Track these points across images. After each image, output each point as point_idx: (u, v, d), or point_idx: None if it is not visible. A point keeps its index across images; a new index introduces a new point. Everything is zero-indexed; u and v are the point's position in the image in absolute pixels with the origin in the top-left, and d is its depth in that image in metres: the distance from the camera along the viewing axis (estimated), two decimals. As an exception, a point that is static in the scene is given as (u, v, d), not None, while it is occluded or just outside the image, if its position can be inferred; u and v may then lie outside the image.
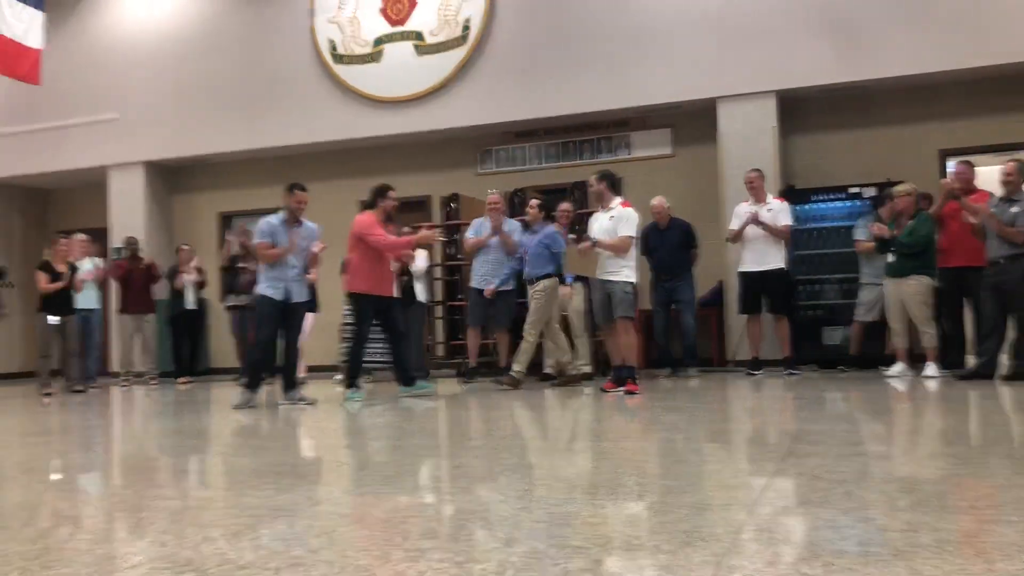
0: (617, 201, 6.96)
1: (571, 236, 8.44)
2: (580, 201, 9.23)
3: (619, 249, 6.78)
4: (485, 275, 8.39)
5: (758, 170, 8.35)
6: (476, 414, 6.24)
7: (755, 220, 8.05)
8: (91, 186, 12.35)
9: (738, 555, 2.13)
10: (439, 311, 10.17)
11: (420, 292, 9.04)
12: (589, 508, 2.78)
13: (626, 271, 6.81)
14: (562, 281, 7.82)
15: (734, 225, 8.29)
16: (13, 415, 7.48)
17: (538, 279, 7.70)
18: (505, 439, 4.83)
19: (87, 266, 10.00)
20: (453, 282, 10.00)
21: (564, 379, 7.90)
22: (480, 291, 8.41)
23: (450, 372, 9.73)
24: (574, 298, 8.35)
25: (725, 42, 9.39)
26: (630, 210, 6.92)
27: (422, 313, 9.24)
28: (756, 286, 8.22)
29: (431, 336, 9.92)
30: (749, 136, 9.21)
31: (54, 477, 4.09)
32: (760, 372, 8.25)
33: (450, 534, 2.51)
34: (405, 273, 8.98)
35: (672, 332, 8.82)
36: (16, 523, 2.96)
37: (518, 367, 7.64)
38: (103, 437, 5.67)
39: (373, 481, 3.56)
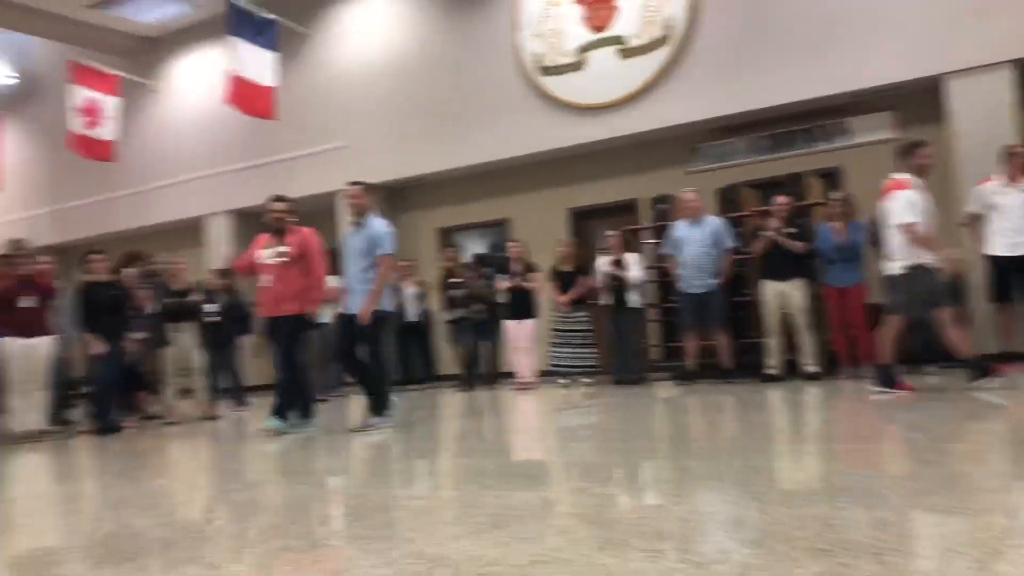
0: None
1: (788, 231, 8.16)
2: (798, 194, 8.88)
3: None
4: (687, 276, 8.33)
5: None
6: (698, 417, 6.16)
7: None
8: (323, 211, 13.31)
9: (1005, 562, 1.99)
10: (654, 314, 10.10)
11: (634, 300, 9.08)
12: (830, 511, 2.68)
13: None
14: None
15: (975, 208, 7.65)
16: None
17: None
18: (730, 441, 4.74)
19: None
20: (666, 284, 9.92)
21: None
22: (688, 293, 8.33)
23: (668, 375, 9.64)
24: (795, 294, 8.05)
25: (951, 11, 8.71)
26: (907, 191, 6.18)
27: (636, 319, 9.27)
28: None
29: (645, 340, 9.87)
30: (986, 112, 8.47)
31: (299, 479, 4.46)
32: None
33: (686, 535, 2.51)
34: (616, 280, 9.05)
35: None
36: (287, 519, 3.25)
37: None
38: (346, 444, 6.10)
39: (603, 482, 3.60)
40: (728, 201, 9.59)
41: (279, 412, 6.43)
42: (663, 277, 9.26)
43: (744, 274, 8.69)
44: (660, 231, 9.44)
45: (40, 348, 7.60)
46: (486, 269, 10.38)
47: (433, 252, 12.29)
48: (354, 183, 6.64)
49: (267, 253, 6.52)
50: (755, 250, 8.31)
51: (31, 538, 3.51)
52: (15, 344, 7.47)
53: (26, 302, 7.52)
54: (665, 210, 9.92)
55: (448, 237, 12.40)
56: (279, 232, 6.55)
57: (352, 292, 6.37)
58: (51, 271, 8.10)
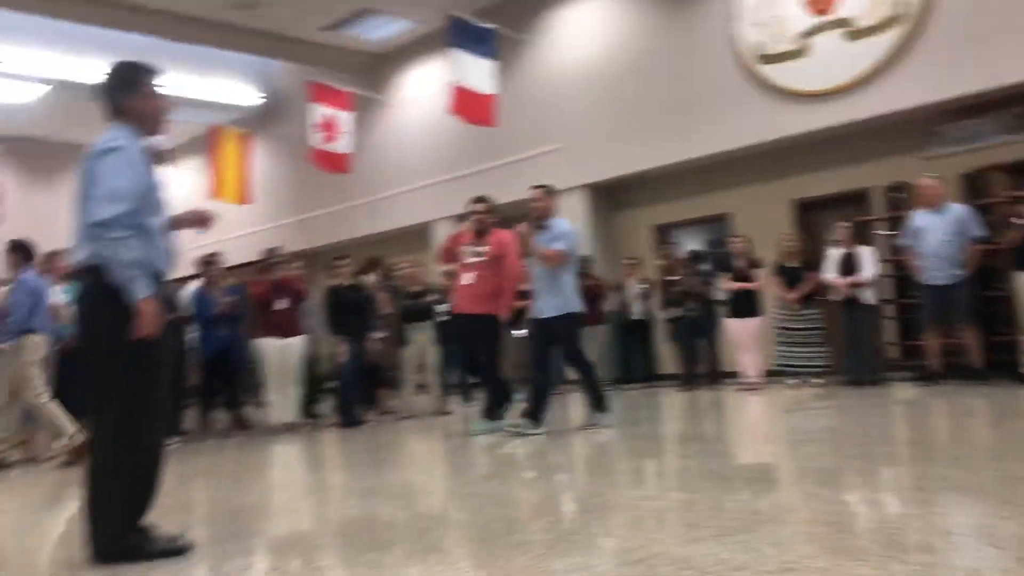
0: None
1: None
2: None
3: None
4: (929, 268, 7.77)
5: None
6: (944, 420, 5.75)
7: None
8: (541, 211, 13.60)
9: None
10: (891, 310, 9.51)
11: (868, 296, 8.60)
12: (1117, 529, 2.43)
13: None
14: None
15: None
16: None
17: None
18: (985, 447, 4.39)
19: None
20: (904, 277, 9.32)
21: None
22: (930, 285, 7.77)
23: (908, 376, 9.05)
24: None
25: None
26: None
27: (871, 315, 8.77)
28: None
29: (881, 338, 9.31)
30: None
31: (531, 475, 4.58)
32: None
33: (947, 548, 2.36)
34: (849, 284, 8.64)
35: None
36: (527, 513, 3.37)
37: None
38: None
39: (842, 488, 3.45)
40: (973, 187, 8.88)
41: (489, 413, 6.66)
42: (900, 270, 8.72)
43: (994, 266, 8.01)
44: (895, 221, 8.89)
45: (293, 347, 8.28)
46: (702, 266, 10.17)
47: (651, 250, 12.23)
48: (536, 187, 6.75)
49: (467, 252, 6.73)
50: (1008, 240, 7.63)
51: (292, 523, 3.85)
52: (271, 344, 8.21)
53: (280, 305, 8.23)
54: (901, 199, 9.32)
55: (665, 234, 12.29)
56: (480, 233, 6.75)
57: (539, 295, 6.44)
58: (301, 276, 8.81)
